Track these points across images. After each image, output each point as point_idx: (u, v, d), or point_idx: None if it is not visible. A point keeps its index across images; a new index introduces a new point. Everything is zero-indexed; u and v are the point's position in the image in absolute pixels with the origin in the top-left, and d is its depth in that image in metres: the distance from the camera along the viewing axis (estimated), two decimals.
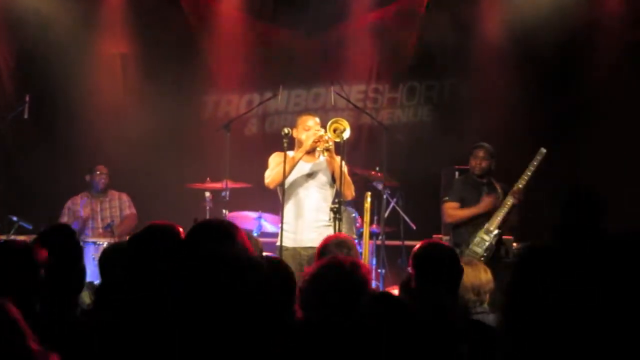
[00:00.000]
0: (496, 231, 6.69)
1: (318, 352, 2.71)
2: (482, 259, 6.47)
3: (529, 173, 6.71)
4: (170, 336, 2.03)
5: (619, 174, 8.12)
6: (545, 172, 6.89)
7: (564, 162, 8.02)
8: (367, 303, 2.67)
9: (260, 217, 7.63)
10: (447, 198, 7.05)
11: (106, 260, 3.76)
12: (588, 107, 8.71)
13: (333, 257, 3.10)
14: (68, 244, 3.41)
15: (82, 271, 3.48)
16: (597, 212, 4.56)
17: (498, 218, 6.73)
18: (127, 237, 3.22)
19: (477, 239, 6.70)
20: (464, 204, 6.92)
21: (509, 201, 6.74)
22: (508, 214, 6.74)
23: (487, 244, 6.67)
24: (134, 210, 8.22)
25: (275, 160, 6.28)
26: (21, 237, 6.92)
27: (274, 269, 3.10)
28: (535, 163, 6.71)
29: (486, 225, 6.72)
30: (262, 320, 1.68)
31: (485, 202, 6.79)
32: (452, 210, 6.95)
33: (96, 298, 3.21)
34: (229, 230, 2.83)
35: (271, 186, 6.23)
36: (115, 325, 2.71)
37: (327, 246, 4.55)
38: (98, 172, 8.12)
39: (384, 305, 2.54)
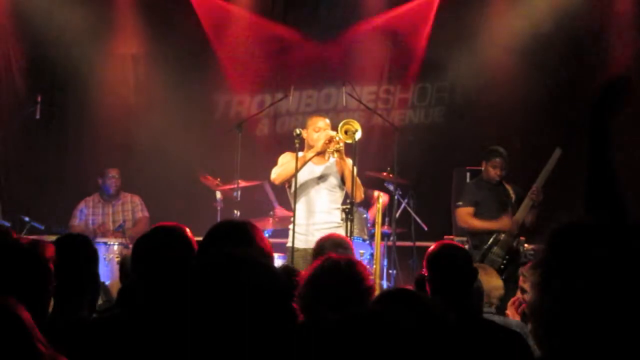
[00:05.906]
0: (517, 233, 6.67)
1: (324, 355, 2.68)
2: (505, 260, 6.52)
3: (546, 173, 6.65)
4: (180, 339, 2.01)
5: (633, 175, 8.04)
6: (559, 174, 6.82)
7: (578, 163, 7.95)
8: (381, 300, 2.62)
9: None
10: (461, 203, 7.01)
11: (125, 264, 3.74)
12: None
13: (327, 258, 3.02)
14: (83, 253, 3.35)
15: (96, 278, 3.42)
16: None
17: (518, 221, 6.69)
18: None
19: (500, 242, 6.67)
20: (478, 208, 6.89)
21: (527, 202, 6.68)
22: (527, 215, 6.70)
23: (509, 245, 6.64)
24: (146, 214, 8.11)
25: (284, 159, 6.26)
26: (32, 237, 6.90)
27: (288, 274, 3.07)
28: (552, 163, 6.65)
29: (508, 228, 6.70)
30: (274, 325, 1.67)
31: (503, 222, 6.72)
32: (467, 217, 6.93)
33: (118, 299, 3.17)
34: (248, 232, 2.80)
35: (277, 182, 6.20)
36: (126, 326, 2.70)
37: (323, 244, 4.50)
38: (110, 175, 8.04)
39: (401, 301, 2.48)
